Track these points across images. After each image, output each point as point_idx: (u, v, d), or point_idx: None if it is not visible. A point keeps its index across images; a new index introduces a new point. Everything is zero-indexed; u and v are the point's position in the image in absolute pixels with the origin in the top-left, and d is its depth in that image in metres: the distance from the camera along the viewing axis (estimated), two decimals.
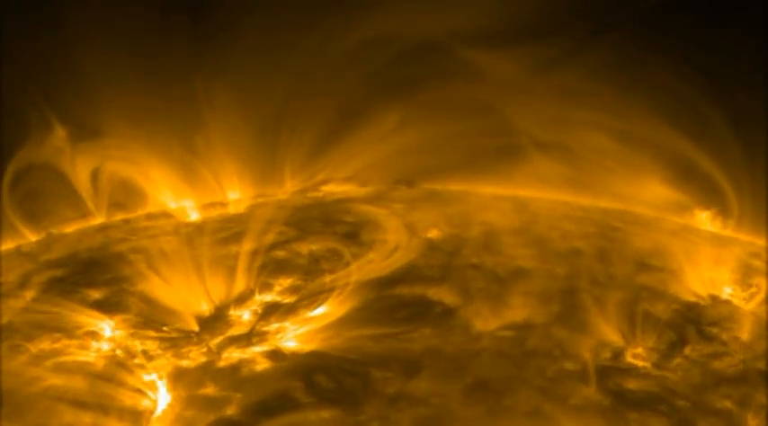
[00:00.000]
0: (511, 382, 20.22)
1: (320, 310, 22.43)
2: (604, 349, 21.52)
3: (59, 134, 29.38)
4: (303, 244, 25.34)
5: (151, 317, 22.05)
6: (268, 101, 31.36)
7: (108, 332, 21.79)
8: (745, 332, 22.66)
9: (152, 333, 21.52)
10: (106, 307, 22.51)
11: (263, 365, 20.53)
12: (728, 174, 29.50)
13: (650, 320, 22.51)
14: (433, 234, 26.73)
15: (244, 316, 22.22)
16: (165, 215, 28.87)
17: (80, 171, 29.31)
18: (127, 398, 19.55)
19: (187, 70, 30.49)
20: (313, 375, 20.00)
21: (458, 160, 31.62)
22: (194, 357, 20.77)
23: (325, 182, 31.45)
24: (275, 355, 20.82)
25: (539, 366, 20.83)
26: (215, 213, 28.96)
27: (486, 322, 22.29)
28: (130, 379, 20.10)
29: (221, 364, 20.59)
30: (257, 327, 21.75)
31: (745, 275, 25.37)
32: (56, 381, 19.94)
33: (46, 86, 29.79)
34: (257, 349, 21.10)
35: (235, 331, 21.61)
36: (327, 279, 23.61)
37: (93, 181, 29.35)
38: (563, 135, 30.55)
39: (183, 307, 22.24)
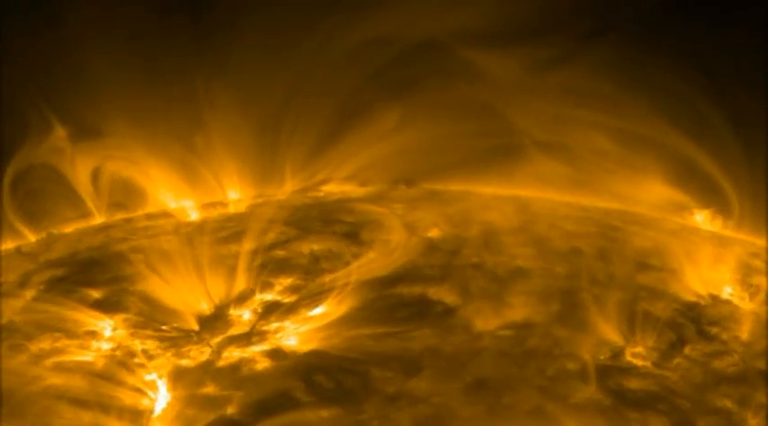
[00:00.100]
0: (511, 381, 20.21)
1: (320, 309, 22.43)
2: (604, 348, 21.51)
3: (59, 134, 29.41)
4: (303, 244, 25.35)
5: (151, 317, 22.06)
6: (268, 100, 31.39)
7: (108, 331, 21.80)
8: (745, 332, 22.65)
9: (152, 333, 21.52)
10: (106, 307, 22.52)
11: (263, 364, 20.53)
12: (729, 174, 29.51)
13: (650, 319, 22.48)
14: (434, 233, 26.74)
15: (244, 316, 22.23)
16: (166, 214, 28.90)
17: (80, 171, 29.35)
18: (127, 397, 19.54)
19: (187, 70, 30.53)
20: (313, 374, 19.97)
21: (458, 160, 31.65)
22: (194, 356, 20.77)
23: (325, 182, 31.50)
24: (275, 354, 20.82)
25: (539, 365, 20.82)
26: (215, 213, 28.97)
27: (487, 321, 22.29)
28: (130, 379, 20.09)
29: (221, 363, 20.59)
30: (257, 326, 21.76)
31: (746, 274, 25.37)
32: (56, 380, 19.93)
33: (46, 86, 29.83)
34: (257, 348, 21.10)
35: (235, 330, 21.62)
36: (328, 278, 23.62)
37: (94, 181, 29.39)
38: (563, 135, 30.57)
39: (184, 307, 22.25)
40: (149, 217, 29.02)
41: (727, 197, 29.56)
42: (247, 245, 24.89)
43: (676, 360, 21.38)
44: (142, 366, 20.52)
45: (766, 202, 28.91)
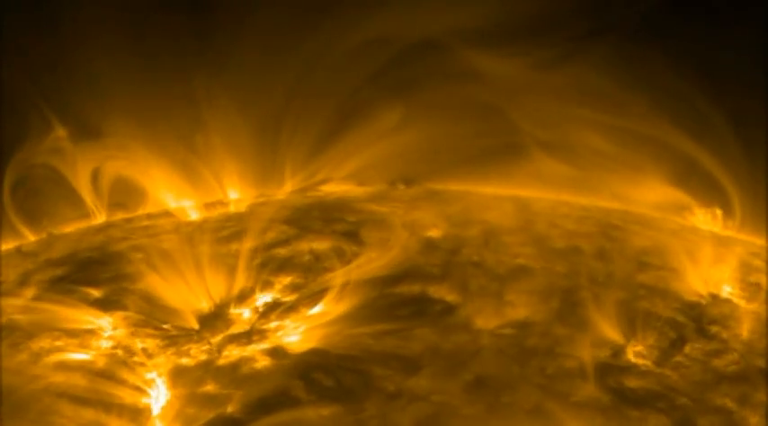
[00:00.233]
0: (511, 380, 20.23)
1: (320, 308, 22.44)
2: (604, 347, 21.52)
3: (59, 134, 29.39)
4: (304, 243, 25.35)
5: (152, 315, 22.08)
6: (268, 100, 31.41)
7: (108, 330, 21.81)
8: (745, 331, 22.65)
9: (152, 331, 21.53)
10: (106, 305, 22.54)
11: (263, 363, 20.54)
12: (729, 174, 29.49)
13: (650, 318, 22.50)
14: (434, 232, 26.74)
15: (244, 314, 22.25)
16: (166, 214, 28.90)
17: (80, 171, 29.35)
18: (127, 396, 19.57)
19: (188, 70, 30.53)
20: (313, 372, 20.00)
21: (458, 159, 31.67)
22: (194, 355, 20.77)
23: (325, 181, 31.53)
24: (275, 353, 20.82)
25: (539, 363, 20.84)
26: (215, 212, 28.97)
27: (487, 320, 22.30)
28: (131, 377, 20.13)
29: (221, 362, 20.60)
30: (257, 325, 21.78)
31: (746, 274, 25.35)
32: (56, 379, 19.97)
33: (46, 86, 29.81)
34: (257, 346, 21.11)
35: (235, 329, 21.63)
36: (328, 277, 23.62)
37: (94, 181, 29.39)
38: (563, 134, 30.56)
39: (184, 305, 22.27)
40: (150, 216, 29.03)
41: (727, 196, 29.55)
42: (248, 244, 24.91)
43: (676, 359, 21.38)
44: (142, 364, 20.54)
45: (766, 202, 28.89)
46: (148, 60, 30.48)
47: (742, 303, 24.11)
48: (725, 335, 22.41)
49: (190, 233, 26.42)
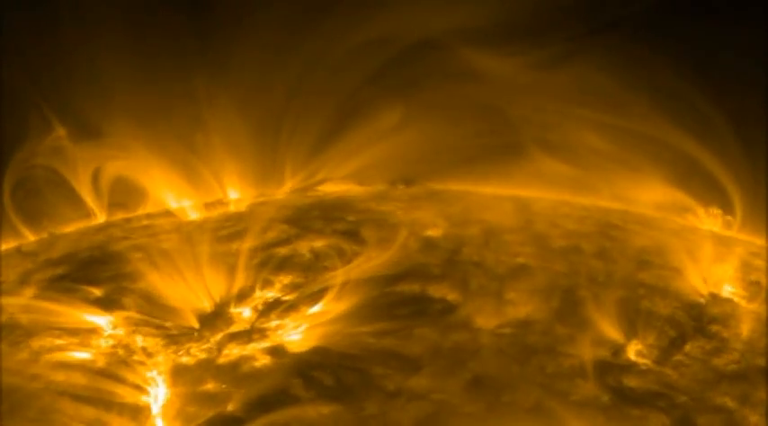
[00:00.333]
0: (511, 378, 20.22)
1: (321, 307, 22.43)
2: (605, 346, 21.51)
3: (59, 134, 29.37)
4: (304, 242, 25.34)
5: (152, 314, 22.06)
6: (269, 100, 31.43)
7: (109, 329, 21.80)
8: (745, 330, 22.65)
9: (152, 330, 21.54)
10: (107, 304, 22.53)
11: (263, 361, 20.54)
12: (729, 174, 29.51)
13: (650, 317, 22.52)
14: (434, 232, 26.73)
15: (244, 313, 22.24)
16: (166, 214, 28.86)
17: (80, 170, 29.33)
18: (128, 394, 19.56)
19: (188, 69, 30.55)
20: (313, 371, 20.01)
21: (458, 159, 31.68)
22: (195, 353, 20.77)
23: (325, 181, 31.52)
24: (276, 351, 20.83)
25: (539, 362, 20.83)
26: (216, 212, 28.96)
27: (487, 319, 22.28)
28: (131, 376, 20.11)
29: (221, 361, 20.59)
30: (257, 324, 21.77)
31: (746, 273, 25.36)
32: (57, 377, 19.96)
33: (46, 86, 29.83)
34: (258, 345, 21.10)
35: (235, 327, 21.63)
36: (328, 276, 23.60)
37: (94, 181, 29.37)
38: (563, 134, 30.60)
39: (184, 304, 22.25)
40: (150, 216, 28.99)
41: (727, 196, 29.57)
42: (248, 244, 24.90)
43: (677, 358, 21.38)
44: (142, 363, 20.54)
45: (767, 202, 28.90)
46: (148, 60, 30.52)
47: (742, 302, 24.12)
48: (725, 334, 22.41)
49: (190, 232, 26.40)
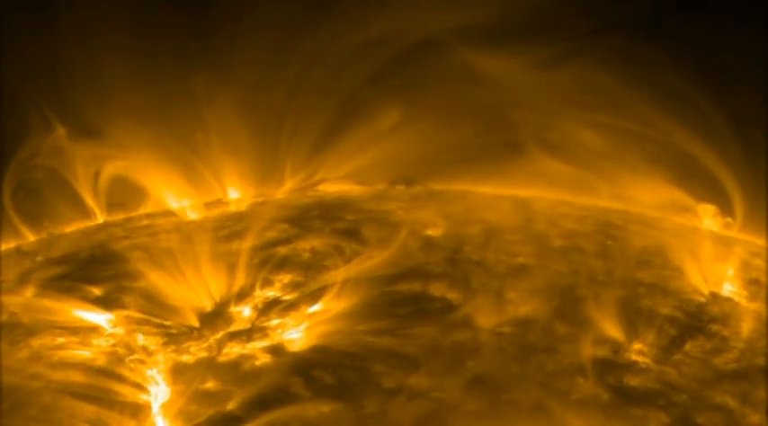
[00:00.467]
0: (511, 377, 20.20)
1: (321, 306, 22.43)
2: (605, 344, 21.50)
3: (59, 134, 29.39)
4: (304, 241, 25.35)
5: (152, 313, 22.04)
6: (269, 99, 31.46)
7: (109, 327, 21.80)
8: (745, 329, 22.63)
9: (153, 329, 21.53)
10: (107, 303, 22.51)
11: (263, 360, 20.53)
12: (730, 174, 29.52)
13: (650, 316, 22.52)
14: (434, 231, 26.74)
15: (244, 312, 22.24)
16: (166, 213, 28.89)
17: (80, 170, 29.34)
18: (128, 393, 19.54)
19: (188, 69, 30.58)
20: (313, 370, 20.00)
21: (458, 159, 31.72)
22: (195, 352, 20.77)
23: (325, 181, 31.54)
24: (276, 350, 20.83)
25: (539, 361, 20.81)
26: (216, 211, 28.99)
27: (487, 318, 22.27)
28: (131, 374, 20.09)
29: (222, 359, 20.58)
30: (257, 323, 21.77)
31: (746, 273, 25.36)
32: (57, 376, 19.92)
33: (46, 86, 29.85)
34: (258, 344, 21.10)
35: (235, 326, 21.63)
36: (328, 275, 23.59)
37: (94, 181, 29.39)
38: (563, 134, 30.62)
39: (184, 303, 22.24)
40: (150, 215, 29.02)
41: (727, 196, 29.58)
42: (248, 243, 24.90)
43: (677, 357, 21.36)
44: (143, 362, 20.52)
45: (767, 202, 28.92)
46: (148, 59, 30.55)
47: (743, 301, 24.13)
48: (725, 333, 22.40)
49: (190, 232, 26.40)
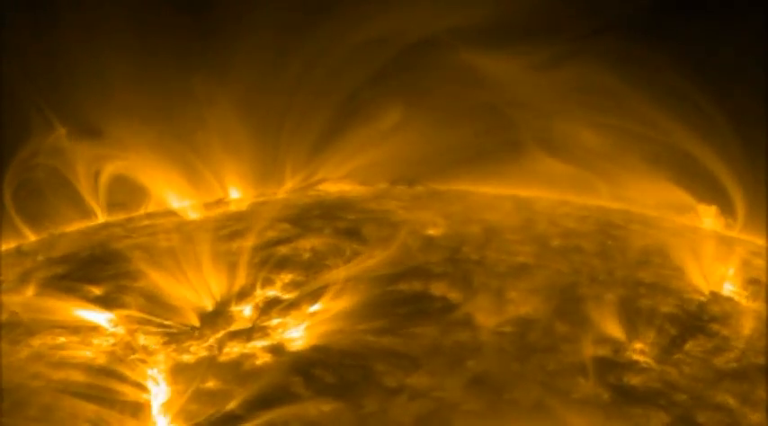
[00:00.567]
0: (512, 377, 20.19)
1: (321, 305, 22.43)
2: (605, 344, 21.49)
3: (60, 133, 29.41)
4: (305, 241, 25.36)
5: (152, 313, 22.04)
6: (269, 99, 31.48)
7: (109, 327, 21.80)
8: (745, 329, 22.63)
9: (153, 329, 21.53)
10: (108, 303, 22.52)
11: (264, 359, 20.52)
12: (730, 174, 29.54)
13: (651, 315, 22.52)
14: (435, 231, 26.77)
15: (245, 312, 22.25)
16: (167, 213, 28.90)
17: (81, 170, 29.38)
18: (128, 392, 19.51)
19: (189, 69, 30.60)
20: (314, 369, 19.99)
21: (458, 159, 31.75)
22: (195, 351, 20.77)
23: (326, 180, 31.56)
24: (276, 349, 20.82)
25: (540, 361, 20.80)
26: (216, 211, 29.01)
27: (488, 317, 22.26)
28: (132, 374, 20.07)
29: (222, 359, 20.58)
30: (258, 322, 21.77)
31: (747, 272, 25.38)
32: (57, 376, 19.90)
33: (46, 86, 29.86)
34: (258, 343, 21.09)
35: (236, 326, 21.63)
36: (329, 274, 23.61)
37: (94, 181, 29.41)
38: (563, 134, 30.64)
39: (184, 303, 22.25)
40: (150, 215, 29.04)
41: (728, 196, 29.60)
42: (248, 242, 24.93)
43: (677, 356, 21.35)
44: (143, 361, 20.51)
45: (767, 201, 28.93)
46: (149, 59, 30.57)
47: (743, 301, 24.15)
48: (726, 333, 22.40)
49: (190, 231, 26.43)
